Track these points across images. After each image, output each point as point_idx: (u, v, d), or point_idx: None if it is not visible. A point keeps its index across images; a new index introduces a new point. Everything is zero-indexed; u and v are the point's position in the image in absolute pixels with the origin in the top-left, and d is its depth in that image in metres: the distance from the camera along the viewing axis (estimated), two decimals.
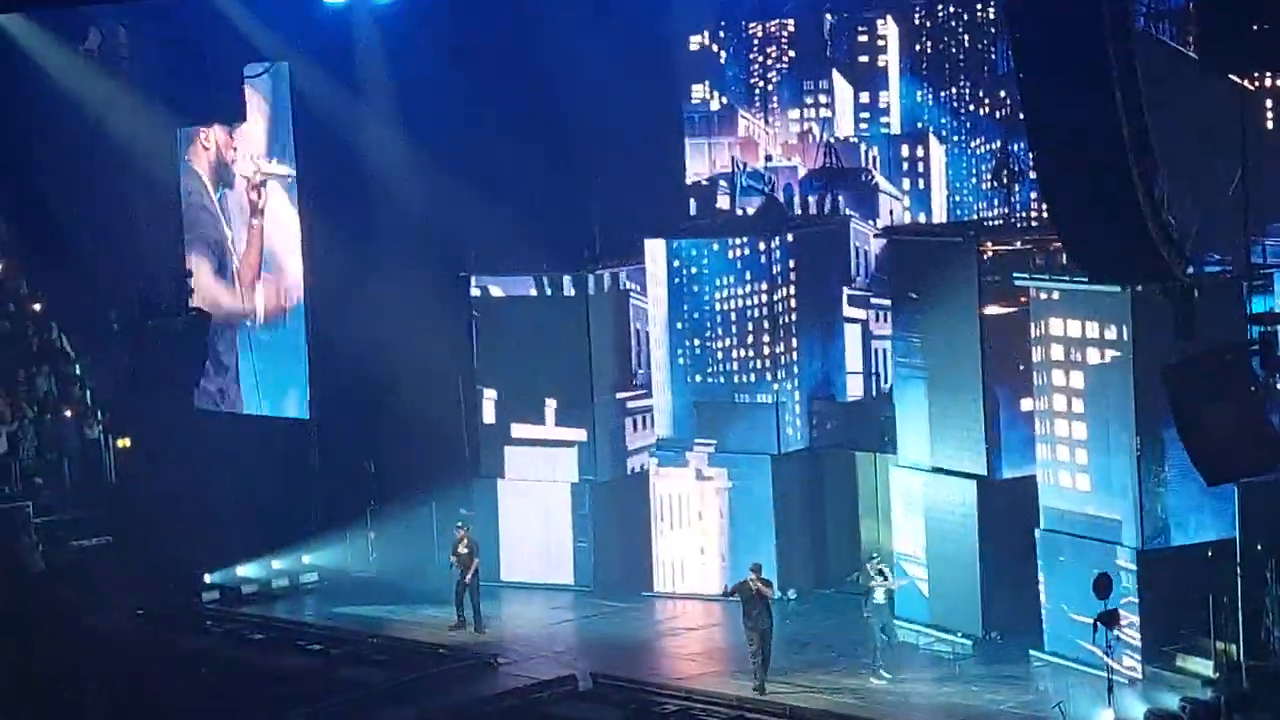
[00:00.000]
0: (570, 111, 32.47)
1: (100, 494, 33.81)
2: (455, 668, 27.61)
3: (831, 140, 35.15)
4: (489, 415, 31.80)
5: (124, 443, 33.84)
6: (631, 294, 31.51)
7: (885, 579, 26.61)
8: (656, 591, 30.90)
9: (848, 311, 31.15)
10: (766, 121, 36.41)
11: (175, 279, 33.22)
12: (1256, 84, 28.95)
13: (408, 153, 32.17)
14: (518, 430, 31.63)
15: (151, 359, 31.73)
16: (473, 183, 31.72)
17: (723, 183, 33.93)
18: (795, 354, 30.47)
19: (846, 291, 31.15)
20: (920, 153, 35.02)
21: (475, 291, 31.69)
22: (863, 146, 35.30)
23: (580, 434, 31.17)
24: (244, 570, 32.25)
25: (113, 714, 27.24)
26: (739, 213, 33.98)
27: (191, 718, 26.38)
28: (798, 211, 33.84)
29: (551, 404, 31.36)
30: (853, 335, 31.15)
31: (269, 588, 32.08)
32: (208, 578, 31.94)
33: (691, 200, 34.94)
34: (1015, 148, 31.21)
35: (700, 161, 36.30)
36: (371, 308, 32.51)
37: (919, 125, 35.35)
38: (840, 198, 33.67)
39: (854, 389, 31.08)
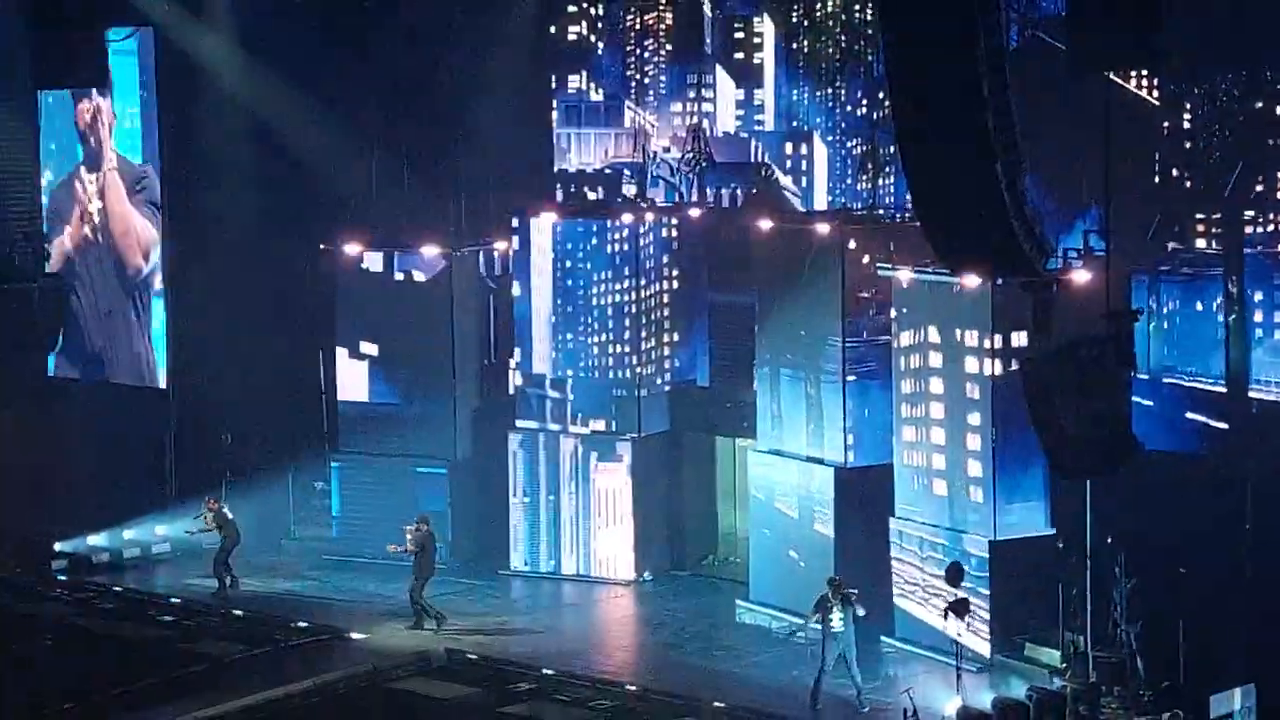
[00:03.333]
0: (443, 90, 32.39)
1: None
2: (308, 641, 27.46)
3: (701, 129, 35.21)
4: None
5: None
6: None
7: (853, 607, 24.85)
8: (514, 570, 30.88)
9: None
10: (650, 113, 36.41)
11: (32, 243, 32.75)
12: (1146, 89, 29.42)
13: (277, 117, 31.93)
14: None
15: (5, 322, 31.24)
16: (342, 150, 31.63)
17: (627, 172, 33.81)
18: (667, 348, 30.68)
19: None
20: (804, 150, 35.19)
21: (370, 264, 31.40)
22: (753, 142, 35.43)
23: None
24: (95, 539, 31.85)
25: None
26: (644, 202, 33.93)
27: (37, 684, 26.03)
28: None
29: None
30: None
31: (120, 557, 31.72)
32: (58, 546, 31.52)
33: (559, 188, 34.84)
34: (886, 147, 31.41)
35: (587, 152, 36.24)
36: (233, 278, 32.29)
37: (794, 124, 35.53)
38: (739, 189, 33.81)
39: None
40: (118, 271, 34.02)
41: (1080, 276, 25.17)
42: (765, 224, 28.98)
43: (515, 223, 30.86)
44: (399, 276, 31.31)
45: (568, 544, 30.67)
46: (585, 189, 34.28)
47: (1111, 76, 25.37)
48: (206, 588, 30.05)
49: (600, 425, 30.51)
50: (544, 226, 30.59)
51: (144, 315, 33.71)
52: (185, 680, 25.79)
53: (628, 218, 30.44)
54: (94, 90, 32.90)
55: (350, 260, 31.42)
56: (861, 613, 24.97)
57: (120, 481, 32.50)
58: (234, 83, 32.38)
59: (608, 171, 33.37)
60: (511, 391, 31.22)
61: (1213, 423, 26.96)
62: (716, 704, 24.43)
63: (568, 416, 30.60)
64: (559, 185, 33.08)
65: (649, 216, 30.69)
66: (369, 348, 31.37)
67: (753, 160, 35.10)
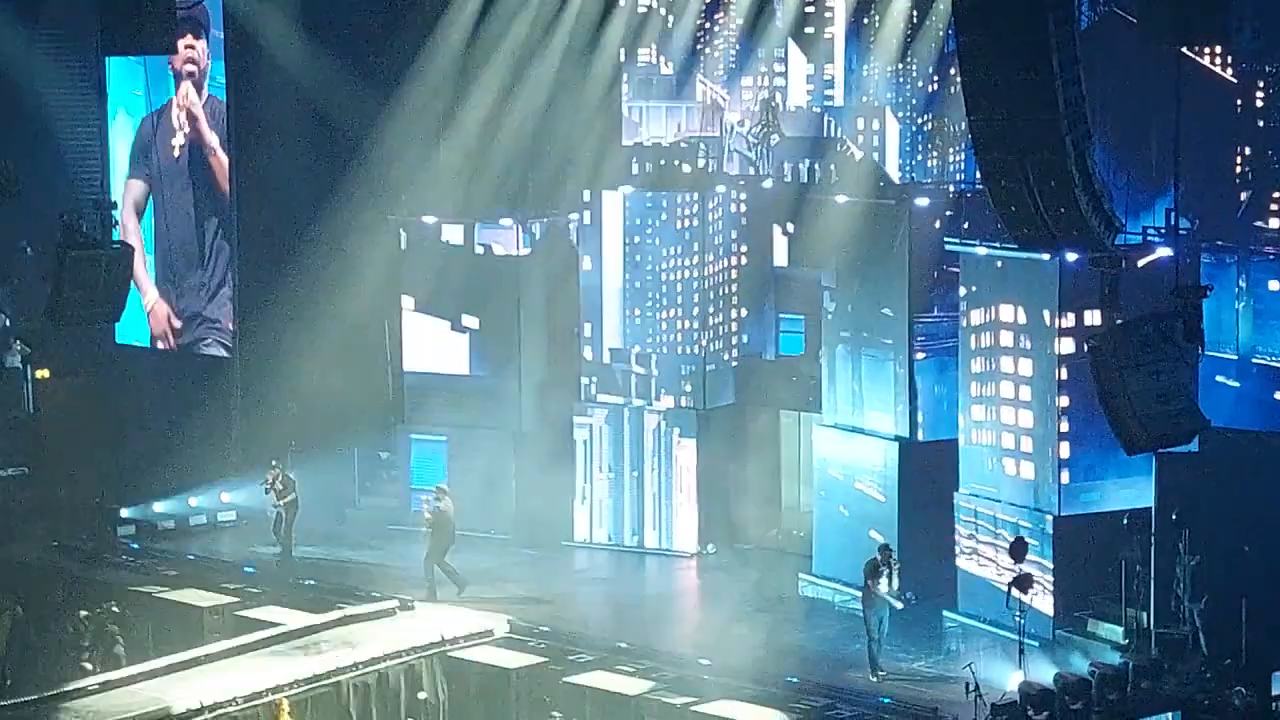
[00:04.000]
0: (506, 63, 32.36)
1: (18, 424, 33.49)
2: (370, 611, 27.54)
3: (773, 102, 35.01)
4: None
5: (43, 373, 33.53)
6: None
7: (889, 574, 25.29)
8: (578, 541, 30.93)
9: None
10: (720, 88, 36.20)
11: (100, 209, 32.90)
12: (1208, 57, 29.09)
13: (343, 87, 32.01)
14: None
15: (73, 290, 31.37)
16: (410, 124, 31.67)
17: (703, 146, 33.66)
18: (734, 324, 30.68)
19: None
20: (875, 126, 35.00)
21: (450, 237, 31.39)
22: (824, 117, 35.28)
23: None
24: (161, 506, 32.06)
25: (21, 643, 27.18)
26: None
27: (101, 649, 26.25)
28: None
29: None
30: None
31: (186, 525, 31.92)
32: (124, 512, 31.73)
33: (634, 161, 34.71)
34: (955, 122, 31.26)
35: (658, 125, 36.13)
36: (302, 246, 32.39)
37: (864, 99, 35.35)
38: (816, 165, 33.70)
39: None
40: (211, 195, 34.01)
41: (1148, 253, 25.03)
42: (841, 199, 28.89)
43: (586, 195, 30.83)
44: (479, 250, 31.28)
45: (649, 518, 30.64)
46: (674, 161, 33.93)
47: (1185, 51, 25.18)
48: (272, 555, 30.21)
49: (670, 401, 30.51)
50: (614, 200, 30.54)
51: (217, 259, 33.84)
52: (249, 647, 25.95)
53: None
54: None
55: (425, 230, 31.38)
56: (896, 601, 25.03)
57: (187, 449, 32.68)
58: (295, 56, 32.42)
59: (683, 145, 33.21)
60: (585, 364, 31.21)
61: None
62: (783, 677, 24.44)
63: (652, 391, 30.56)
64: (634, 159, 32.90)
65: (721, 189, 30.58)
66: (470, 321, 31.39)
67: (825, 135, 34.90)
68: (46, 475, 32.50)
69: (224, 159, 33.62)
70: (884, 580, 24.99)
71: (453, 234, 31.46)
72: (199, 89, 33.89)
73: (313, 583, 28.77)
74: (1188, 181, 27.55)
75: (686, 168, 31.64)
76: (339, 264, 32.50)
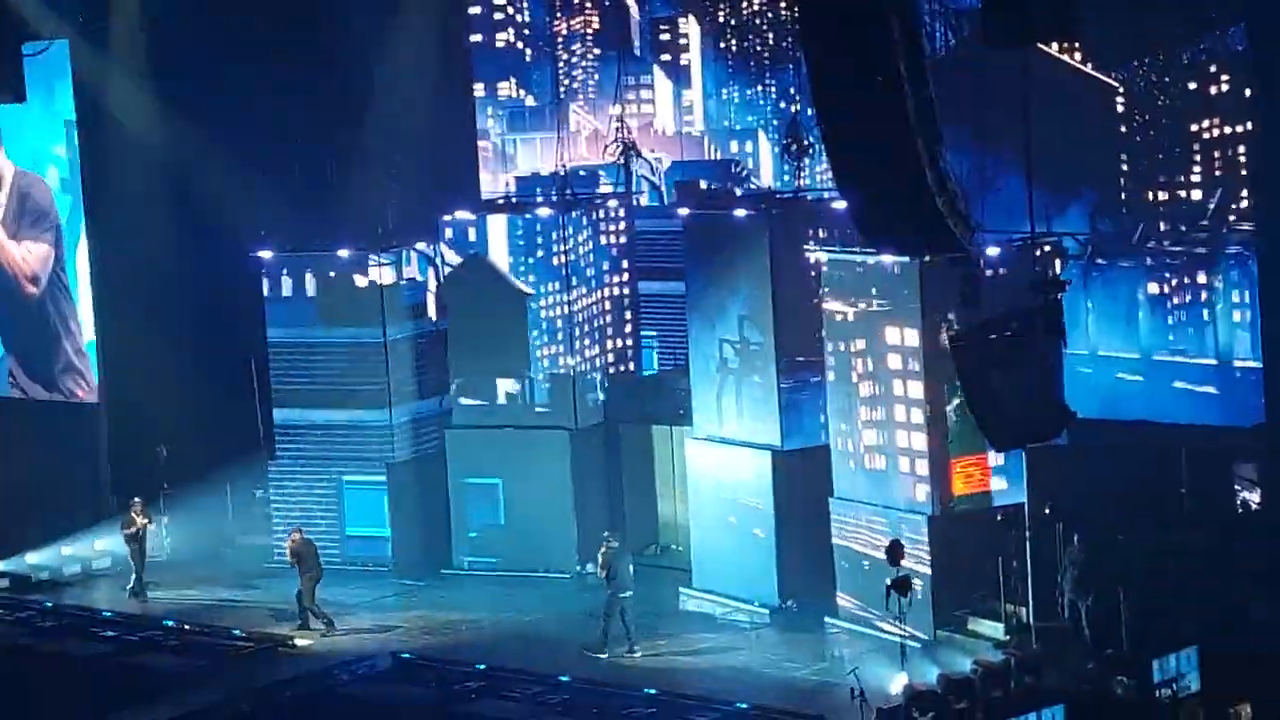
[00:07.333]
0: (363, 96, 32.22)
1: None
2: (252, 650, 27.32)
3: (622, 129, 35.16)
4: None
5: None
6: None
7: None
8: (457, 569, 30.80)
9: None
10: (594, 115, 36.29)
11: None
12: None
13: (194, 129, 31.72)
14: None
15: None
16: (261, 160, 31.44)
17: (602, 173, 33.57)
18: (611, 354, 30.89)
19: None
20: (749, 148, 35.30)
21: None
22: (705, 139, 35.48)
23: None
24: (34, 557, 31.64)
25: None
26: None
27: None
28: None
29: None
30: None
31: (60, 575, 31.52)
32: None
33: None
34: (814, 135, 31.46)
35: (532, 157, 36.11)
36: (160, 289, 32.09)
37: (725, 123, 35.59)
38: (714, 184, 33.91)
39: None
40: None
41: (998, 251, 25.29)
42: (684, 212, 29.00)
43: (472, 233, 30.65)
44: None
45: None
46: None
47: (1053, 51, 25.67)
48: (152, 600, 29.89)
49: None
50: (499, 229, 30.39)
51: (73, 322, 33.50)
52: (130, 695, 25.65)
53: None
54: None
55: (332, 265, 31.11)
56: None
57: (56, 498, 32.27)
58: (145, 103, 32.16)
59: (582, 173, 33.20)
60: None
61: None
62: (668, 692, 24.46)
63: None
64: (536, 189, 32.80)
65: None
66: None
67: (708, 157, 35.16)
68: None
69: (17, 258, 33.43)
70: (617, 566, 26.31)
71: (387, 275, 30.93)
72: None
73: (183, 626, 28.39)
74: (1096, 186, 28.01)
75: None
76: (201, 304, 32.17)
